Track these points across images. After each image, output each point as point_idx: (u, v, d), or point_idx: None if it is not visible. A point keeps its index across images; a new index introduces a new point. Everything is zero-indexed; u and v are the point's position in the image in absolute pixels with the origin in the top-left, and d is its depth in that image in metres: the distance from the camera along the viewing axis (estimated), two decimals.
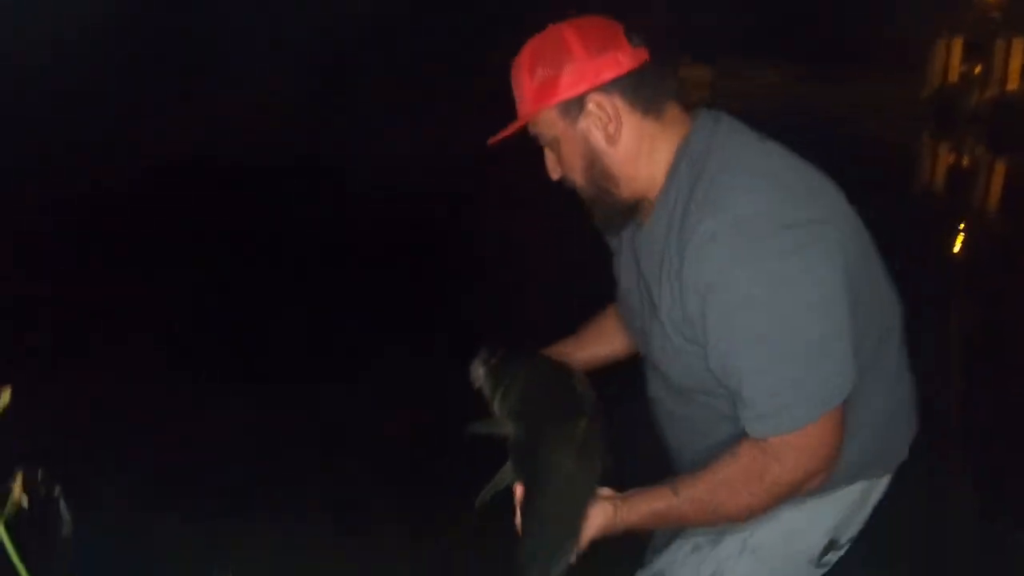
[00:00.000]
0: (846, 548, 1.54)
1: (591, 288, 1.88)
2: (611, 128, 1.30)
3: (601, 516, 1.33)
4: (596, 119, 1.30)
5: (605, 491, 1.40)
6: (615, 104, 1.29)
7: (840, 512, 1.46)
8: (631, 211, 1.38)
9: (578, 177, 1.37)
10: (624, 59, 1.28)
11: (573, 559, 1.30)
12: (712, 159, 1.25)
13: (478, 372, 1.81)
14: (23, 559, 0.80)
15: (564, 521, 1.35)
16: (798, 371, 1.18)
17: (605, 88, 1.28)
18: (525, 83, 1.33)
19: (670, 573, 1.54)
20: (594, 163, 1.34)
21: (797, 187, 1.23)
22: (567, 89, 1.29)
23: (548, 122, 1.33)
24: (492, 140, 1.39)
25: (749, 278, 1.15)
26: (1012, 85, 20.08)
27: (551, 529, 1.35)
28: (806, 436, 1.20)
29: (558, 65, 1.28)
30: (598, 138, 1.31)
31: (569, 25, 1.31)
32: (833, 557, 1.53)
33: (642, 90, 1.29)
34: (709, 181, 1.22)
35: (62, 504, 0.96)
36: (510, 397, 1.68)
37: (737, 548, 1.47)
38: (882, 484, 1.51)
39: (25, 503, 0.79)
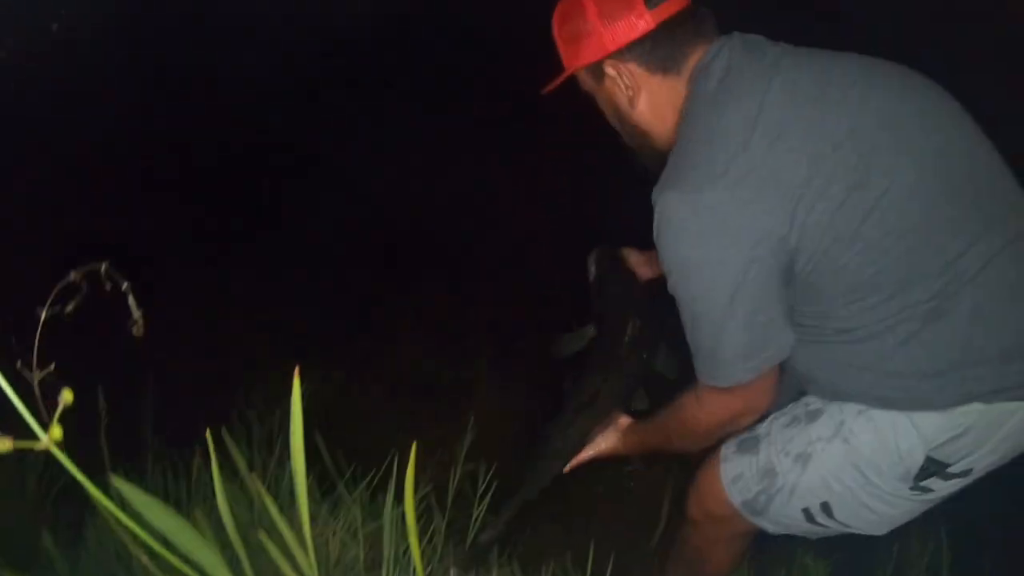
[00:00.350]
0: (966, 481, 1.38)
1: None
2: (630, 93, 1.40)
3: (605, 444, 1.77)
4: (616, 82, 1.40)
5: (624, 420, 1.77)
6: (630, 70, 1.38)
7: (946, 431, 1.31)
8: None
9: (617, 128, 1.50)
10: (639, 22, 1.33)
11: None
12: (683, 117, 1.36)
13: (591, 268, 2.10)
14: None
15: (563, 451, 1.78)
16: (708, 341, 1.32)
17: (620, 54, 1.37)
18: (557, 41, 1.45)
19: (761, 442, 1.54)
20: (623, 120, 1.46)
21: (743, 154, 1.22)
22: (586, 56, 1.39)
23: (581, 79, 1.47)
24: (546, 89, 1.49)
25: (670, 255, 1.29)
26: None
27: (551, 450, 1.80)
28: (727, 392, 1.36)
29: (578, 29, 1.39)
30: (621, 99, 1.42)
31: None
32: (939, 485, 1.38)
33: (658, 51, 1.36)
34: (677, 141, 1.35)
35: (131, 300, 0.87)
36: (600, 304, 2.02)
37: (831, 430, 1.43)
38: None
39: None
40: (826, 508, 1.48)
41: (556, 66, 1.46)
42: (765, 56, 1.31)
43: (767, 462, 1.51)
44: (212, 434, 1.18)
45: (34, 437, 0.68)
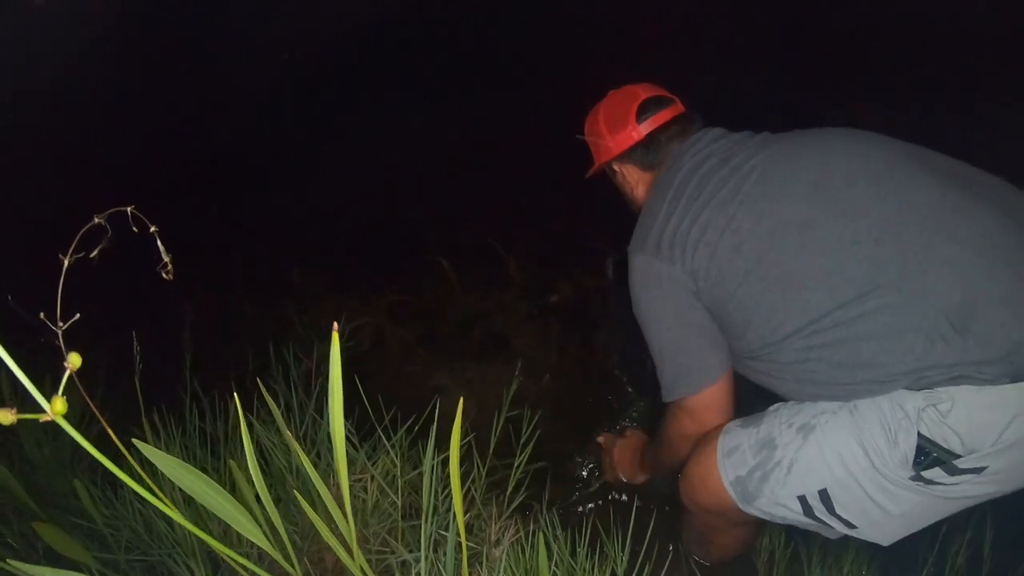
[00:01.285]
0: (985, 486, 1.28)
1: None
2: (628, 188, 1.87)
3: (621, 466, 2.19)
4: (620, 177, 1.87)
5: (638, 439, 2.20)
6: (629, 170, 1.83)
7: (929, 400, 1.29)
8: None
9: (628, 203, 1.91)
10: (633, 133, 1.77)
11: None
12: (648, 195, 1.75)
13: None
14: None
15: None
16: (657, 362, 1.65)
17: (620, 159, 1.82)
18: (588, 140, 1.90)
19: (766, 416, 1.56)
20: (631, 201, 1.89)
21: (654, 227, 1.59)
22: (601, 157, 1.87)
23: (605, 169, 1.92)
24: (587, 176, 1.96)
25: (630, 292, 1.65)
26: None
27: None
28: (678, 409, 1.66)
29: (596, 136, 1.85)
30: (627, 188, 1.87)
31: (602, 105, 1.86)
32: (945, 479, 1.29)
33: (647, 156, 1.78)
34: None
35: (160, 244, 0.81)
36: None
37: (838, 405, 1.43)
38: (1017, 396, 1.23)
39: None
40: (825, 498, 1.42)
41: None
42: (708, 150, 1.62)
43: (768, 433, 1.50)
44: (250, 380, 1.15)
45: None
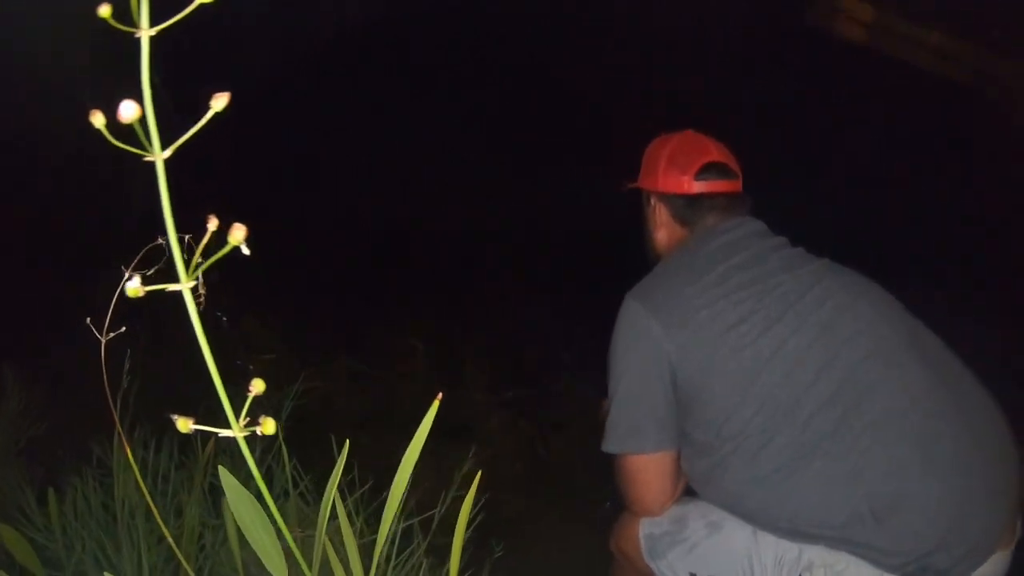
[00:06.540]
0: None
1: None
2: (653, 225, 1.86)
3: None
4: (652, 212, 1.86)
5: None
6: (663, 211, 1.83)
7: (790, 556, 1.47)
8: None
9: (643, 233, 1.93)
10: (686, 184, 1.76)
11: None
12: (674, 252, 1.79)
13: None
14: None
15: None
16: (613, 411, 1.64)
17: (661, 197, 1.82)
18: (644, 156, 1.90)
19: (692, 500, 1.68)
20: (646, 234, 1.90)
21: (685, 290, 1.61)
22: (644, 182, 1.87)
23: (642, 191, 1.90)
24: (626, 187, 1.93)
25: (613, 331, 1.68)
26: None
27: None
28: (620, 462, 1.66)
29: (652, 162, 1.84)
30: (651, 223, 1.87)
31: (676, 138, 1.84)
32: None
33: (685, 211, 1.78)
34: (659, 265, 1.80)
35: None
36: None
37: (715, 517, 1.61)
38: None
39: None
40: None
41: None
42: (744, 243, 1.67)
43: (684, 512, 1.66)
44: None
45: None
